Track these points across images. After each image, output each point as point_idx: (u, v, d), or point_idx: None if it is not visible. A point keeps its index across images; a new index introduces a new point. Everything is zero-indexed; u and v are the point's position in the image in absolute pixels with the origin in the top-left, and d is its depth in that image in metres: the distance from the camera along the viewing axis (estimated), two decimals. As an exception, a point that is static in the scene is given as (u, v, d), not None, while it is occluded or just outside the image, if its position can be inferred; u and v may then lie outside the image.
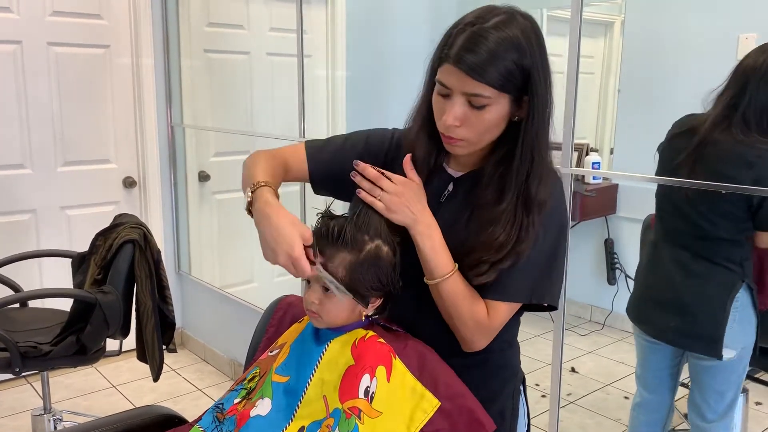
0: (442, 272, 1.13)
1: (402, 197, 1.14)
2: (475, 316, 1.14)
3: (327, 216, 1.17)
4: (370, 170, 1.17)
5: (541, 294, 1.17)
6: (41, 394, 2.63)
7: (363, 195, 1.16)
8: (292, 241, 1.05)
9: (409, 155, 1.21)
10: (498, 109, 1.09)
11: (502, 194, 1.14)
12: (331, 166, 1.29)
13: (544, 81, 1.10)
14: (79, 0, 3.16)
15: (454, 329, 1.17)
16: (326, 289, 1.13)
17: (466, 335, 1.16)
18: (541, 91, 1.09)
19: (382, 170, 1.18)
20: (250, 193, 1.17)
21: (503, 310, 1.16)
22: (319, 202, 1.23)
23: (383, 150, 1.29)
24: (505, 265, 1.12)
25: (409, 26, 3.68)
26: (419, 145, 1.22)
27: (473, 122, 1.10)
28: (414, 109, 1.23)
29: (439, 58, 1.10)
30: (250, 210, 1.17)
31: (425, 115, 1.19)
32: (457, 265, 1.14)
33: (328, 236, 1.12)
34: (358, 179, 1.17)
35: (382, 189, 1.15)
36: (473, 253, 1.14)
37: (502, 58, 1.05)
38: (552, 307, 1.21)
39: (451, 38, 1.09)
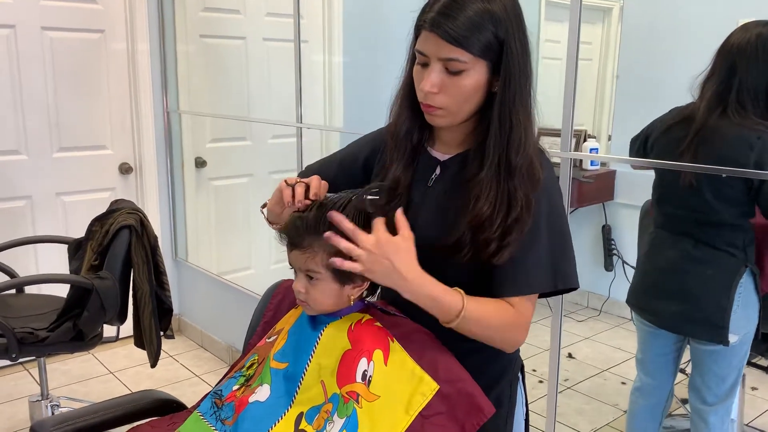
0: (455, 312, 1.07)
1: (381, 259, 1.02)
2: (507, 319, 1.11)
3: (301, 211, 1.17)
4: (346, 223, 1.04)
5: (565, 277, 1.15)
6: (38, 381, 2.63)
7: (339, 262, 1.04)
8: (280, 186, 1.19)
9: (400, 210, 1.10)
10: (474, 75, 1.09)
11: (482, 162, 1.13)
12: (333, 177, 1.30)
13: (522, 51, 1.10)
14: (73, -16, 3.13)
15: (494, 343, 1.14)
16: (310, 277, 1.13)
17: (507, 340, 1.14)
18: (518, 59, 1.09)
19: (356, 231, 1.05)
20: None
21: (531, 301, 1.14)
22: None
23: (361, 155, 1.33)
24: (512, 237, 1.09)
25: (407, 11, 3.65)
26: (401, 120, 1.22)
27: (450, 89, 1.09)
28: (397, 86, 1.23)
29: (418, 27, 1.11)
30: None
31: (407, 89, 1.20)
32: (463, 294, 1.08)
33: (305, 226, 1.12)
34: (334, 240, 1.04)
35: (358, 246, 1.03)
36: (473, 233, 1.11)
37: (477, 24, 1.05)
38: (572, 288, 1.19)
39: (427, 6, 1.10)
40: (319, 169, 1.31)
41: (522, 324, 1.13)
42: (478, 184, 1.12)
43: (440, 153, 1.23)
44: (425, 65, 1.11)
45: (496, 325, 1.11)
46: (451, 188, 1.18)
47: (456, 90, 1.09)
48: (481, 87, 1.11)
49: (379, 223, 1.05)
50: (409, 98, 1.19)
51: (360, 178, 1.31)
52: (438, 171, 1.22)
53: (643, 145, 2.04)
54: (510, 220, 1.09)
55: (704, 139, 1.81)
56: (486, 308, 1.10)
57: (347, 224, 1.04)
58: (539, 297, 1.20)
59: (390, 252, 1.03)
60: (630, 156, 2.13)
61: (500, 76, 1.09)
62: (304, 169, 1.43)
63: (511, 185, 1.11)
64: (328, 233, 1.05)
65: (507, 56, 1.08)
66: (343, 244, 1.03)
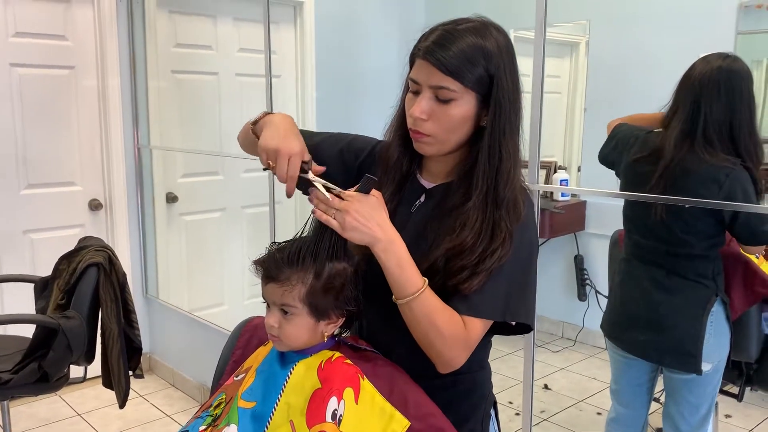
0: (413, 290, 1.07)
1: (357, 214, 1.06)
2: (455, 329, 1.09)
3: (281, 243, 1.16)
4: (319, 194, 1.10)
5: (516, 311, 1.14)
6: (1, 424, 2.54)
7: (318, 214, 1.09)
8: (300, 148, 1.14)
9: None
10: (463, 106, 1.11)
11: (469, 191, 1.14)
12: (314, 153, 1.28)
13: (512, 87, 1.13)
14: (43, 21, 3.12)
15: (430, 348, 1.10)
16: (285, 312, 1.12)
17: (446, 351, 1.10)
18: (508, 93, 1.12)
19: (333, 187, 1.11)
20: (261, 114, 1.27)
21: (478, 325, 1.12)
22: (289, 227, 1.22)
23: (360, 156, 1.31)
24: (486, 266, 1.09)
25: (379, 47, 3.70)
26: (392, 148, 1.24)
27: (440, 117, 1.12)
28: (391, 115, 1.25)
29: (413, 56, 1.14)
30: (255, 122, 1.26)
31: (400, 119, 1.22)
32: (426, 280, 1.09)
33: (284, 257, 1.11)
34: (314, 202, 1.10)
35: (335, 209, 1.08)
36: (448, 259, 1.11)
37: (470, 57, 1.09)
38: (527, 327, 1.18)
39: (423, 36, 1.13)
40: (320, 144, 1.29)
41: (467, 343, 1.11)
42: (464, 212, 1.13)
43: (427, 181, 1.24)
44: (417, 93, 1.13)
45: (443, 327, 1.08)
46: (432, 215, 1.19)
47: (444, 118, 1.12)
48: (468, 118, 1.13)
49: (350, 190, 1.10)
50: (401, 127, 1.21)
51: (353, 176, 1.29)
52: (423, 198, 1.23)
53: (611, 163, 2.09)
54: (490, 250, 1.10)
55: (672, 176, 1.83)
56: (442, 307, 1.09)
57: (320, 194, 1.09)
58: (495, 333, 1.21)
59: (364, 205, 1.07)
60: (600, 153, 2.15)
61: (490, 108, 1.12)
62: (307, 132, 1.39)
63: (497, 215, 1.12)
64: (310, 196, 1.09)
65: (497, 90, 1.11)
66: (322, 204, 1.08)
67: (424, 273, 1.11)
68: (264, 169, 1.18)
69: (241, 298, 3.63)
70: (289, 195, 1.14)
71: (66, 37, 3.20)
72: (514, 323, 1.18)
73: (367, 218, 1.07)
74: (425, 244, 1.15)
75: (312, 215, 1.12)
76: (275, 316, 1.12)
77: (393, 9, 3.90)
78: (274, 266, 1.11)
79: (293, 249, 1.11)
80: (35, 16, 3.09)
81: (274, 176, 2.78)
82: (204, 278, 3.64)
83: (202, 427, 1.15)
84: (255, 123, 1.29)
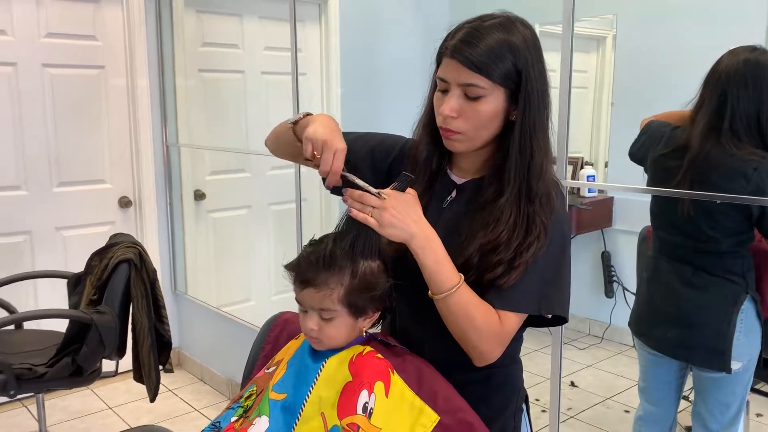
0: (449, 285, 1.08)
1: (394, 211, 1.06)
2: (490, 324, 1.10)
3: (316, 241, 1.16)
4: (355, 192, 1.09)
5: (550, 305, 1.14)
6: (37, 417, 2.60)
7: (354, 213, 1.08)
8: (345, 146, 1.11)
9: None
10: (493, 102, 1.11)
11: (501, 186, 1.14)
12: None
13: (540, 81, 1.13)
14: (73, 22, 3.18)
15: (466, 342, 1.11)
16: (324, 315, 1.12)
17: (482, 346, 1.10)
18: (537, 87, 1.12)
19: (369, 187, 1.10)
20: (300, 115, 1.24)
21: (513, 319, 1.13)
22: (315, 224, 1.23)
23: (391, 155, 1.32)
24: (522, 260, 1.10)
25: (403, 44, 3.70)
26: (421, 146, 1.24)
27: (469, 114, 1.12)
28: (419, 113, 1.25)
29: (440, 54, 1.15)
30: (296, 122, 1.25)
31: (428, 117, 1.22)
32: (462, 276, 1.10)
33: (320, 261, 1.11)
34: (349, 202, 1.09)
35: (372, 206, 1.07)
36: (483, 255, 1.11)
37: (497, 53, 1.09)
38: (562, 319, 1.18)
39: (449, 35, 1.14)
40: (352, 144, 1.26)
41: (502, 337, 1.12)
42: (498, 208, 1.13)
43: (458, 177, 1.25)
44: (445, 92, 1.14)
45: (479, 323, 1.09)
46: (465, 211, 1.19)
47: (474, 115, 1.12)
48: (498, 114, 1.13)
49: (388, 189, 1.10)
50: (429, 125, 1.22)
51: (382, 177, 1.30)
52: (454, 194, 1.23)
53: (639, 159, 2.06)
54: (525, 244, 1.11)
55: (699, 170, 1.81)
56: (478, 301, 1.10)
57: (356, 192, 1.09)
58: (531, 326, 1.20)
59: (401, 202, 1.08)
60: (630, 150, 2.12)
61: (519, 104, 1.12)
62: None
63: (530, 210, 1.13)
64: (344, 197, 1.09)
65: (526, 85, 1.11)
66: (358, 203, 1.08)
67: (458, 268, 1.11)
68: (306, 160, 1.16)
69: (268, 294, 3.66)
70: (329, 187, 1.15)
71: (96, 37, 3.26)
72: (549, 316, 1.17)
73: (404, 215, 1.07)
74: (458, 239, 1.15)
75: (345, 215, 1.12)
76: (314, 320, 1.12)
77: (417, 5, 3.90)
78: (311, 271, 1.11)
79: (327, 251, 1.10)
80: (65, 17, 3.15)
81: (301, 173, 2.78)
82: (231, 274, 3.68)
83: (233, 419, 1.17)
84: (295, 123, 1.27)
